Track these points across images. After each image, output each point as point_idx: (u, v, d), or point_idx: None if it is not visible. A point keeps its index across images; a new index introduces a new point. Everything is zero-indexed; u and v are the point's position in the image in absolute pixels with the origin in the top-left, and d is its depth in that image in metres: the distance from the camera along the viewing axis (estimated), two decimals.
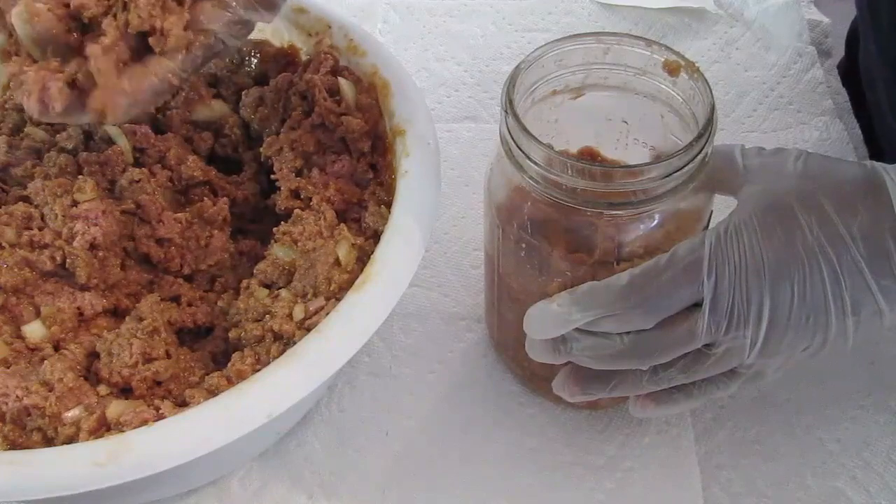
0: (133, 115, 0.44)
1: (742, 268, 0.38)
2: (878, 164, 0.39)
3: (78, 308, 0.46)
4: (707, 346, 0.39)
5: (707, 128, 0.39)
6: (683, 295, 0.38)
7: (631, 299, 0.38)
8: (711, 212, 0.43)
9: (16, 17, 0.42)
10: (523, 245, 0.43)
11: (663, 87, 0.43)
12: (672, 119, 0.44)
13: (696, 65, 0.42)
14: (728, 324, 0.38)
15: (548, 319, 0.41)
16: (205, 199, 0.52)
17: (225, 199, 0.52)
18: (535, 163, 0.40)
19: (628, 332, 0.39)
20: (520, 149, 0.40)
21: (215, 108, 0.56)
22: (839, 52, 0.74)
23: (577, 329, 0.40)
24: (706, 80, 0.41)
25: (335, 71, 0.53)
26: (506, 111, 0.41)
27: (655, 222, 0.41)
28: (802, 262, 0.37)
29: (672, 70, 0.42)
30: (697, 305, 0.38)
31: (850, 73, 0.72)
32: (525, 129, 0.40)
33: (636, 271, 0.39)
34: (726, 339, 0.38)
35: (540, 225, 0.42)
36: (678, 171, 0.38)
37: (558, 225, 0.42)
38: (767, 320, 0.38)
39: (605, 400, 0.46)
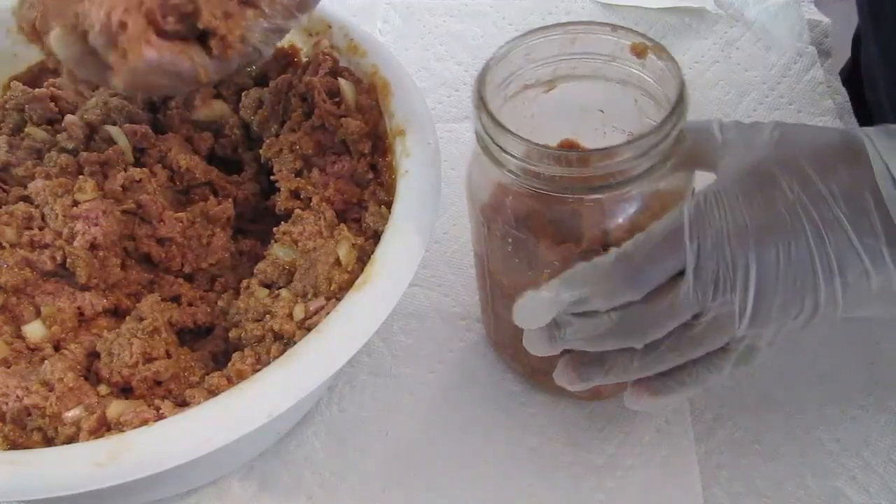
0: (146, 83, 0.43)
1: (724, 231, 0.38)
2: (857, 129, 0.39)
3: (78, 308, 0.46)
4: (696, 318, 0.39)
5: (678, 104, 0.39)
6: (667, 263, 0.38)
7: (617, 271, 0.38)
8: (693, 190, 0.43)
9: None
10: (510, 240, 0.43)
11: (633, 70, 0.43)
12: (646, 102, 0.44)
13: (662, 45, 0.42)
14: (714, 289, 0.38)
15: (537, 305, 0.41)
16: (209, 198, 0.52)
17: (230, 200, 0.52)
18: (513, 156, 0.40)
19: (617, 309, 0.39)
20: (496, 144, 0.40)
21: (215, 108, 0.56)
22: (839, 53, 0.73)
23: (567, 313, 0.41)
24: (674, 59, 0.41)
25: (335, 72, 0.53)
26: (478, 108, 0.41)
27: (638, 205, 0.41)
28: (785, 222, 0.37)
29: (639, 52, 0.42)
30: (684, 275, 0.38)
31: (852, 73, 0.72)
32: (499, 123, 0.40)
33: (621, 247, 0.39)
34: (714, 305, 0.38)
35: (524, 218, 0.42)
36: (653, 149, 0.39)
37: (543, 217, 0.42)
38: (755, 283, 0.37)
39: (607, 389, 0.46)
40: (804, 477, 0.47)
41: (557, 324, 0.41)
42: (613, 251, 0.39)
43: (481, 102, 0.41)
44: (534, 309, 0.41)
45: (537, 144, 0.40)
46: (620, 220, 0.41)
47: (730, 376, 0.41)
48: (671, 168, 0.40)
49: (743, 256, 0.37)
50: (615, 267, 0.39)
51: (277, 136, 0.53)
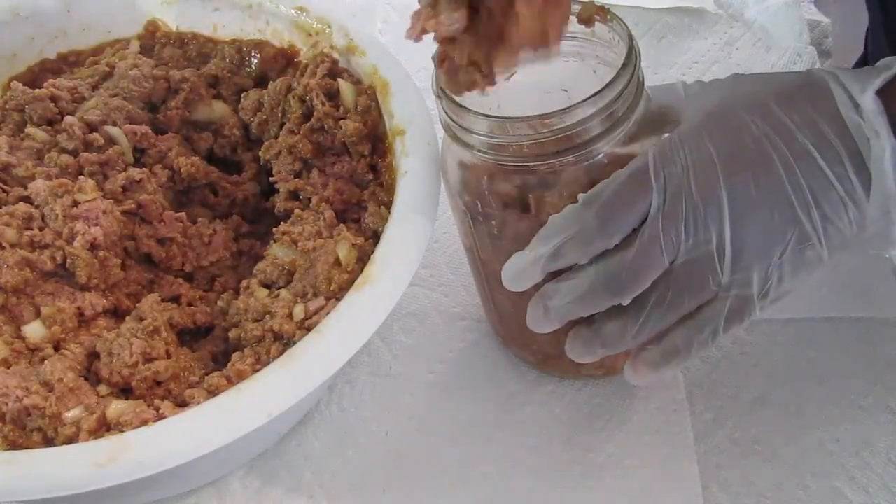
0: None
1: (690, 166, 0.38)
2: (815, 69, 0.40)
3: (78, 308, 0.46)
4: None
5: (630, 55, 0.40)
6: (635, 202, 0.38)
7: (585, 214, 0.39)
8: None
9: None
10: (494, 223, 0.43)
11: (586, 41, 0.44)
12: (604, 70, 0.44)
13: (606, 7, 0.42)
14: (686, 226, 0.37)
15: (520, 264, 0.41)
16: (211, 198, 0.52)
17: (238, 218, 0.52)
18: (479, 134, 0.40)
19: (595, 261, 0.39)
20: (462, 127, 0.41)
21: (216, 109, 0.56)
22: (839, 53, 0.73)
23: (552, 279, 0.41)
24: (619, 18, 0.42)
25: (334, 73, 0.53)
26: (439, 97, 0.42)
27: (604, 165, 0.41)
28: (752, 153, 0.37)
29: (587, 20, 0.43)
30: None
31: None
32: (460, 105, 0.41)
33: (588, 191, 0.39)
34: (689, 246, 0.38)
35: (504, 198, 0.43)
36: (614, 102, 0.39)
37: (523, 193, 0.42)
38: (729, 217, 0.37)
39: (619, 362, 0.46)
40: (804, 477, 0.47)
41: (548, 294, 0.41)
42: (581, 196, 0.39)
43: (441, 91, 0.42)
44: (518, 269, 0.41)
45: (497, 117, 0.40)
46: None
47: (727, 338, 0.41)
48: (637, 126, 0.41)
49: (712, 190, 0.37)
50: (584, 210, 0.39)
51: (276, 137, 0.53)
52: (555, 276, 0.41)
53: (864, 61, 0.74)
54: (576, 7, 0.43)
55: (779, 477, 0.47)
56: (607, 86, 0.39)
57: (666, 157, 0.38)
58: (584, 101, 0.39)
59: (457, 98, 0.41)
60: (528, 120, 0.39)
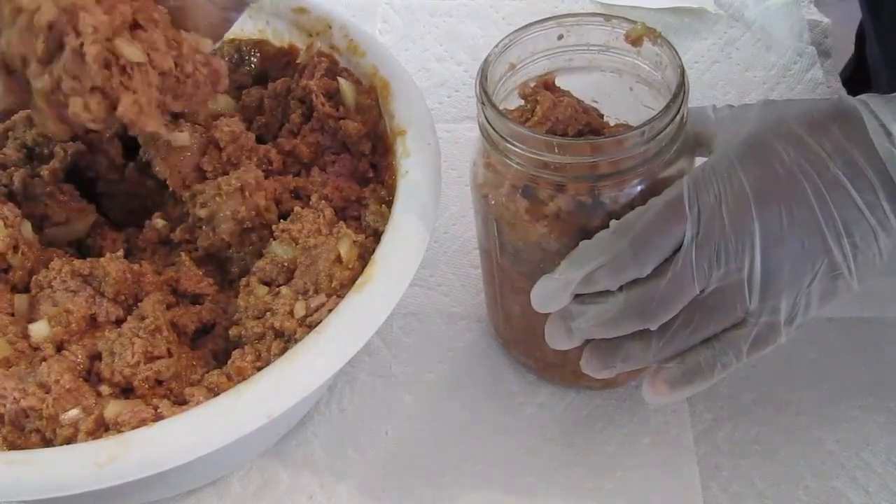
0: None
1: (723, 197, 0.38)
2: (845, 96, 0.39)
3: (92, 315, 0.46)
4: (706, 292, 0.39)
5: (680, 88, 0.40)
6: (668, 232, 0.38)
7: (619, 242, 0.39)
8: None
9: None
10: (520, 232, 0.43)
11: (628, 59, 0.44)
12: (641, 89, 0.44)
13: (657, 30, 0.42)
14: (718, 257, 0.37)
15: (549, 288, 0.41)
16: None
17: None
18: (520, 147, 0.40)
19: (625, 288, 0.39)
20: (502, 136, 0.41)
21: (220, 102, 0.55)
22: (839, 53, 0.73)
23: (579, 300, 0.41)
24: (670, 44, 0.42)
25: (334, 72, 0.53)
26: (483, 103, 0.41)
27: (643, 192, 0.41)
28: (784, 184, 0.37)
29: (634, 41, 0.43)
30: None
31: (855, 73, 0.72)
32: (505, 116, 0.41)
33: (621, 218, 0.39)
34: (719, 275, 0.38)
35: (535, 211, 0.42)
36: (661, 132, 0.39)
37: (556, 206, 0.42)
38: (760, 247, 0.37)
39: (622, 376, 0.46)
40: (804, 477, 0.47)
41: (572, 314, 0.41)
42: (613, 222, 0.39)
43: (485, 96, 0.41)
44: (548, 292, 0.41)
45: (545, 135, 0.40)
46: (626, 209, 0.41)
47: (748, 363, 0.40)
48: (676, 152, 0.41)
49: (745, 221, 0.37)
50: (617, 237, 0.39)
51: (276, 138, 0.52)
52: (577, 295, 0.41)
53: (856, 65, 0.74)
54: (626, 25, 0.43)
55: (779, 477, 0.47)
56: (658, 115, 0.39)
57: (700, 186, 0.38)
58: (637, 129, 0.39)
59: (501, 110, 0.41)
60: (574, 142, 0.40)
